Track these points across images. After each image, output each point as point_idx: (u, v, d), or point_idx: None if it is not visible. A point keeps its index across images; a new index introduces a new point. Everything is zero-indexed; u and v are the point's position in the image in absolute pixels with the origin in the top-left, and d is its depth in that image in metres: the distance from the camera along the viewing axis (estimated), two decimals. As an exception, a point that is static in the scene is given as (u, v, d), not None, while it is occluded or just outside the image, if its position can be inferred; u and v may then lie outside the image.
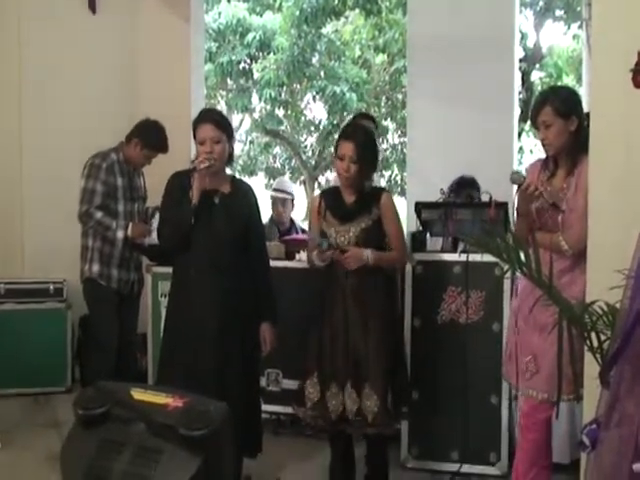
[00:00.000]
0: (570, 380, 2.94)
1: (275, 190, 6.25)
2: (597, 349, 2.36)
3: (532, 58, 13.10)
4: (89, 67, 6.24)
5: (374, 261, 3.75)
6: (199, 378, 3.53)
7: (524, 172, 3.60)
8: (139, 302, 5.13)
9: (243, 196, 3.76)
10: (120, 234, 4.84)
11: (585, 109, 3.47)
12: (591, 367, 2.44)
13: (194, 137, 3.69)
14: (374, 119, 5.54)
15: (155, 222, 5.00)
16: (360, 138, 3.78)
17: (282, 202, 6.14)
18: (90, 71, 6.24)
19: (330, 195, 3.97)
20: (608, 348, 2.29)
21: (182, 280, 3.69)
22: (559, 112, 3.37)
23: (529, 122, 3.63)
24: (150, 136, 4.94)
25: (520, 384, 3.53)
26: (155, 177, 4.48)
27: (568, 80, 13.65)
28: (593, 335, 2.37)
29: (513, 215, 3.62)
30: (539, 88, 12.82)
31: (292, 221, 6.24)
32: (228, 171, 3.88)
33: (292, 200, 6.23)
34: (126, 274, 4.97)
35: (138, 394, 2.27)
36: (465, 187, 4.91)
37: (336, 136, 4.04)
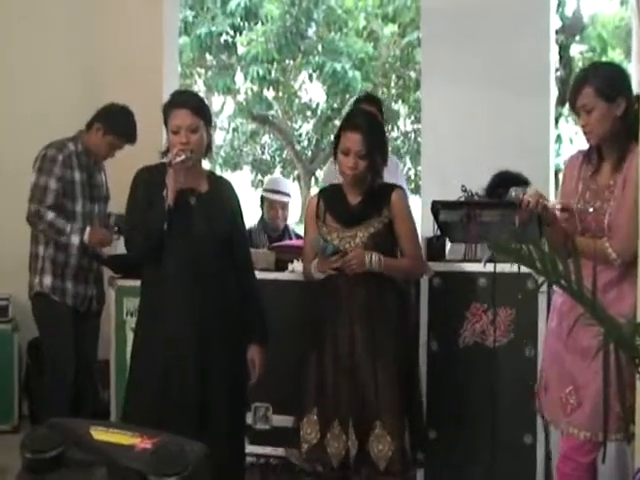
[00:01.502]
0: (618, 416, 2.95)
1: (273, 192, 6.21)
2: (651, 378, 2.36)
3: (571, 29, 13.14)
4: (45, 43, 6.24)
5: (383, 268, 3.75)
6: (174, 413, 3.52)
7: (558, 165, 3.60)
8: (100, 322, 5.13)
9: (223, 196, 3.77)
10: (75, 239, 4.83)
11: (635, 89, 3.47)
12: (644, 400, 2.44)
13: (166, 125, 3.69)
14: (380, 103, 5.55)
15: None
16: (369, 129, 3.79)
17: (282, 206, 6.15)
18: (44, 46, 6.23)
19: (331, 195, 3.97)
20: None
21: (153, 295, 3.69)
22: (602, 93, 3.38)
23: (568, 105, 3.64)
24: (115, 121, 4.95)
25: (559, 420, 3.53)
26: (119, 173, 4.47)
27: (614, 54, 13.70)
28: (646, 361, 2.37)
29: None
30: (580, 65, 12.86)
31: (285, 225, 6.24)
32: (206, 165, 3.89)
33: (287, 203, 6.26)
34: (84, 288, 4.97)
35: (99, 433, 2.27)
36: (507, 185, 4.91)
37: (337, 123, 4.06)
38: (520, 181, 4.99)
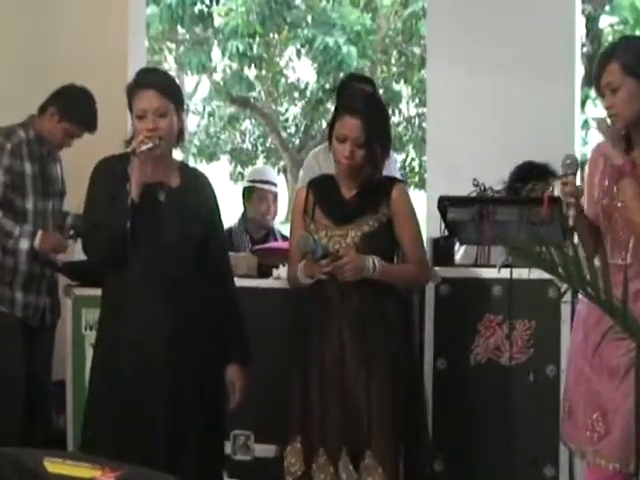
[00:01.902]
0: (652, 444, 2.96)
1: (262, 182, 6.18)
2: (689, 400, 2.38)
3: (600, -2, 13.19)
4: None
5: (382, 274, 3.75)
6: (141, 441, 3.52)
7: (585, 156, 3.61)
8: (54, 337, 5.13)
9: (197, 191, 3.76)
10: (24, 244, 4.82)
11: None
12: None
13: (130, 109, 3.69)
14: (373, 83, 5.53)
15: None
16: (370, 113, 3.80)
17: (274, 198, 6.14)
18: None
19: (321, 187, 3.97)
20: None
21: (117, 306, 3.68)
22: (630, 70, 3.39)
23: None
24: (72, 105, 4.94)
25: (585, 450, 3.55)
26: (77, 165, 4.48)
27: (649, 28, 13.72)
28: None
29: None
30: (610, 39, 12.89)
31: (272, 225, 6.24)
32: (177, 155, 3.88)
33: (277, 195, 6.26)
34: (35, 298, 4.96)
35: (54, 465, 2.27)
36: (531, 178, 4.93)
37: (328, 106, 4.06)
38: (546, 173, 5.02)
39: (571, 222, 3.42)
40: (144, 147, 3.54)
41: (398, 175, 5.51)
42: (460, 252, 5.03)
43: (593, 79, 3.54)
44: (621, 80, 3.40)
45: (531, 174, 4.96)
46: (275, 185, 6.21)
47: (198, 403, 3.65)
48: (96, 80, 5.12)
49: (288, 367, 3.91)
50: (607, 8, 13.53)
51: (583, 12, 9.77)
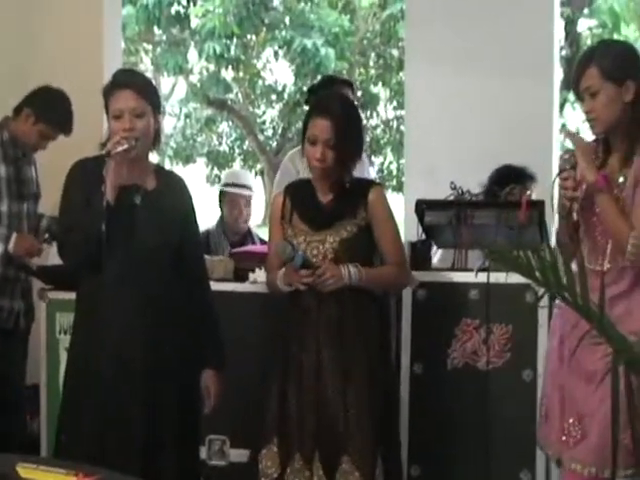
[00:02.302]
0: (628, 449, 2.97)
1: (234, 185, 6.19)
2: (665, 405, 2.39)
3: (579, 1, 13.25)
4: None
5: (362, 281, 3.75)
6: (116, 446, 3.52)
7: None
8: (28, 341, 5.11)
9: (174, 194, 3.76)
10: (-2, 248, 4.82)
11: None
12: (657, 430, 2.47)
13: (106, 110, 3.69)
14: (352, 85, 5.55)
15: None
16: (340, 113, 3.80)
17: (245, 202, 6.13)
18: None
19: (298, 192, 3.98)
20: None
21: (92, 310, 3.67)
22: (609, 74, 3.40)
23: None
24: (48, 107, 4.93)
25: (561, 454, 3.56)
26: (53, 168, 4.46)
27: (628, 31, 13.79)
28: (660, 386, 2.40)
29: (554, 218, 3.67)
30: (588, 42, 12.95)
31: (247, 228, 6.24)
32: (153, 157, 3.88)
33: (251, 199, 6.25)
34: (9, 302, 4.94)
35: (27, 471, 2.27)
36: (510, 182, 4.95)
37: (307, 108, 4.06)
38: (525, 177, 5.04)
39: (575, 217, 3.43)
40: (120, 148, 3.53)
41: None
42: (437, 255, 5.04)
43: (572, 83, 3.55)
44: (600, 85, 3.41)
45: (510, 178, 4.98)
46: (247, 188, 6.19)
47: (175, 407, 3.65)
48: (71, 82, 5.10)
49: (265, 372, 3.91)
50: (586, 11, 13.58)
51: (562, 15, 9.81)
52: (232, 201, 6.10)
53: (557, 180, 3.46)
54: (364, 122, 4.56)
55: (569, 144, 3.59)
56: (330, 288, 3.72)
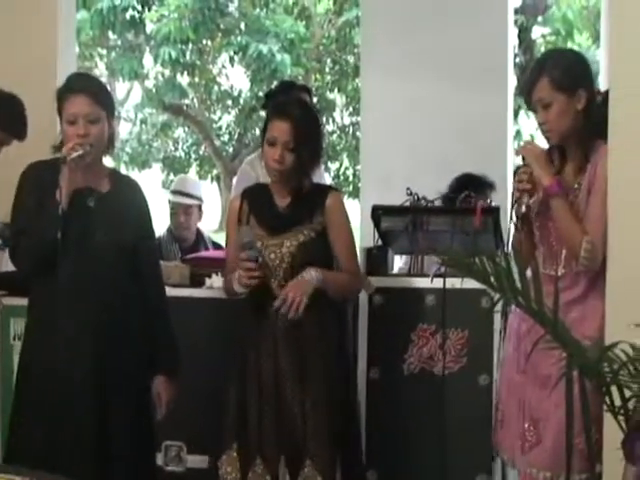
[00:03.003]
0: (583, 453, 2.98)
1: (174, 193, 6.19)
2: (619, 409, 2.40)
3: (533, 9, 13.34)
4: None
5: (324, 281, 3.75)
6: (67, 453, 3.50)
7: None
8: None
9: (128, 197, 3.75)
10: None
11: (604, 77, 3.53)
12: (612, 434, 2.48)
13: (59, 114, 3.67)
14: (310, 91, 5.55)
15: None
16: (299, 117, 3.80)
17: (184, 210, 6.11)
18: None
19: (255, 196, 3.97)
20: (634, 408, 2.33)
21: (43, 316, 3.65)
22: (560, 85, 3.42)
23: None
24: (0, 112, 4.88)
25: (516, 459, 3.58)
26: (5, 173, 4.41)
27: (581, 39, 13.91)
28: (614, 390, 2.42)
29: (508, 223, 3.68)
30: (542, 50, 13.04)
31: (199, 233, 6.22)
32: (108, 163, 3.85)
33: (200, 206, 6.21)
34: (-38, 308, 4.90)
35: (-20, 479, 2.24)
36: (469, 189, 4.96)
37: (262, 114, 4.06)
38: (484, 185, 5.06)
39: (524, 209, 3.45)
40: (74, 154, 3.51)
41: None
42: (400, 262, 5.06)
43: (524, 94, 3.57)
44: (552, 96, 3.43)
45: (469, 186, 5.00)
46: (189, 196, 6.15)
47: (128, 412, 3.64)
48: (24, 86, 5.05)
49: (223, 377, 3.90)
50: (539, 19, 13.67)
51: (515, 23, 9.87)
52: (173, 208, 6.12)
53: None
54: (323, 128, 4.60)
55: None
56: (301, 296, 3.70)
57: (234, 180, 6.09)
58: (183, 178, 7.70)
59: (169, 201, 6.18)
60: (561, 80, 3.42)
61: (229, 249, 4.01)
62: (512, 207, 3.55)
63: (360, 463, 4.01)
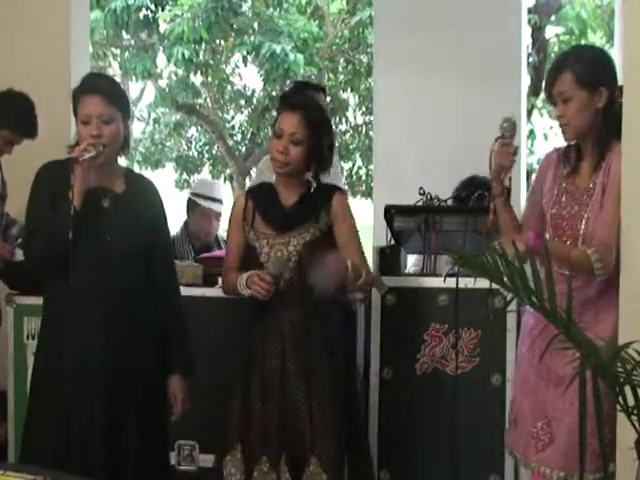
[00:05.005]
0: (596, 453, 2.98)
1: (208, 199, 6.08)
2: (633, 409, 2.40)
3: (546, 8, 13.29)
4: None
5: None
6: (82, 452, 3.51)
7: (531, 165, 3.64)
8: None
9: (143, 197, 3.75)
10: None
11: (618, 77, 3.52)
12: (625, 434, 2.48)
13: (75, 114, 3.67)
14: (324, 90, 5.55)
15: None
16: (308, 112, 3.80)
17: (216, 216, 6.08)
18: None
19: (261, 195, 3.95)
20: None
21: (57, 316, 3.66)
22: (582, 81, 3.42)
23: (542, 96, 3.69)
24: (10, 111, 4.90)
25: (529, 458, 3.58)
26: (19, 173, 4.43)
27: (595, 38, 13.88)
28: (628, 390, 2.41)
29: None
30: (556, 49, 13.02)
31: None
32: (122, 162, 3.86)
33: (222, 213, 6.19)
34: (-25, 307, 4.92)
35: (-6, 477, 2.25)
36: (474, 191, 4.95)
37: (276, 114, 4.04)
38: (490, 187, 5.04)
39: (507, 183, 3.46)
40: (87, 155, 3.51)
41: (342, 182, 5.50)
42: (411, 261, 5.05)
43: (545, 87, 3.56)
44: (573, 91, 3.43)
45: (474, 188, 4.99)
46: (220, 202, 6.11)
47: (142, 412, 3.64)
48: (38, 86, 5.07)
49: (234, 378, 3.90)
50: (553, 18, 13.62)
51: (529, 22, 9.85)
52: (203, 214, 6.02)
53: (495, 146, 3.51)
54: (333, 128, 4.56)
55: (541, 146, 3.60)
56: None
57: (247, 181, 6.07)
58: (212, 182, 7.63)
59: (199, 206, 6.06)
60: (584, 76, 3.42)
61: (231, 247, 4.00)
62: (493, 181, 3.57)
63: (368, 463, 4.01)
